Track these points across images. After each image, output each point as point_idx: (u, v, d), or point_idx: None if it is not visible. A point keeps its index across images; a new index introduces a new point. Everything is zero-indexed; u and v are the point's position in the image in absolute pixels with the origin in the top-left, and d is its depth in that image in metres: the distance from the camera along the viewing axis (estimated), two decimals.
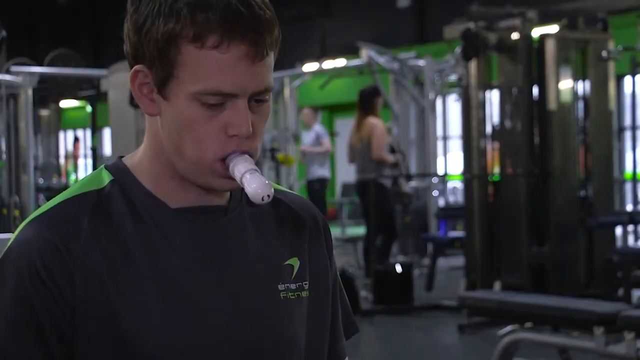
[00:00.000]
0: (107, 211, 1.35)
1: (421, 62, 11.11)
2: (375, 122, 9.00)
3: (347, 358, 1.55)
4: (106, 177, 1.39)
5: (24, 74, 10.52)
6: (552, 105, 7.88)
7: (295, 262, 1.44)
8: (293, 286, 1.42)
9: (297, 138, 12.48)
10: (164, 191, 1.37)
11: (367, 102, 9.12)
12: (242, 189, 1.33)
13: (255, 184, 1.30)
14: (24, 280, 1.30)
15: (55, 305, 1.30)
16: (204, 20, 1.28)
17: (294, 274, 1.43)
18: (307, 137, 12.03)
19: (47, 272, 1.30)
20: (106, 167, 1.41)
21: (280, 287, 1.41)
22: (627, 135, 13.53)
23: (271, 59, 1.33)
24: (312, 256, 1.47)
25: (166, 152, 1.36)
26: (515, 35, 8.02)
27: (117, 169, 1.40)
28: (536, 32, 8.10)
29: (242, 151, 1.32)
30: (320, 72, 13.90)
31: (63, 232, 1.32)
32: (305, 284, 1.44)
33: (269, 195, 1.30)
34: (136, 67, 1.34)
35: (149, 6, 1.31)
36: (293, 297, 1.42)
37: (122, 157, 1.43)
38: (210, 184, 1.35)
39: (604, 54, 7.99)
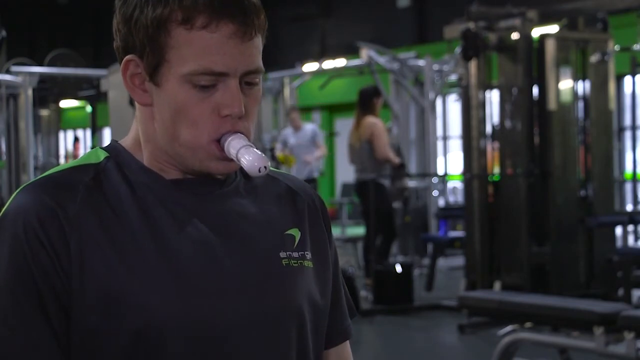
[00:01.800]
0: (103, 181, 1.36)
1: (421, 62, 11.09)
2: (374, 121, 8.95)
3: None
4: (102, 155, 1.40)
5: (24, 74, 10.51)
6: (552, 105, 7.88)
7: (296, 233, 1.44)
8: (295, 254, 1.42)
9: None
10: (159, 166, 1.38)
11: (366, 102, 9.08)
12: (239, 168, 1.34)
13: (251, 156, 1.31)
14: (22, 245, 1.29)
15: (53, 270, 1.29)
16: (192, 3, 1.30)
17: (296, 243, 1.43)
18: (297, 138, 11.33)
19: (45, 235, 1.29)
20: (101, 148, 1.42)
21: (282, 254, 1.41)
22: (627, 135, 13.53)
23: (259, 41, 1.35)
24: (312, 231, 1.47)
25: (159, 142, 1.36)
26: (515, 35, 8.02)
27: (112, 147, 1.41)
28: (536, 32, 8.10)
29: (235, 131, 1.33)
30: (320, 72, 13.89)
31: (59, 196, 1.32)
32: (307, 254, 1.44)
33: (265, 167, 1.31)
34: (127, 57, 1.35)
35: None
36: (295, 264, 1.41)
37: (116, 141, 1.44)
38: (208, 167, 1.36)
39: (596, 57, 7.97)
